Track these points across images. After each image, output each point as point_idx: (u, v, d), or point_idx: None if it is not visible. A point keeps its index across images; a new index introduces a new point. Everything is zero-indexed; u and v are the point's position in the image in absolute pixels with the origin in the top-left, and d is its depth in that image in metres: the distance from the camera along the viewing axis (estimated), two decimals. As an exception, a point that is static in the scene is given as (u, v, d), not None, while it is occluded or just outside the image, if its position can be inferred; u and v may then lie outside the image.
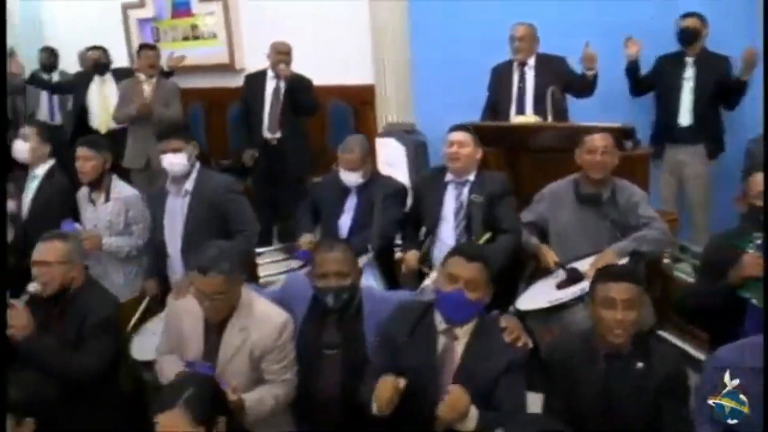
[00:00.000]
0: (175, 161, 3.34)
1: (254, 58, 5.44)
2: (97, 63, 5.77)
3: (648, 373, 2.21)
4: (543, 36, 4.40)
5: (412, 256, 3.45)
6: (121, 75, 5.65)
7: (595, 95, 4.32)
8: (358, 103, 5.75)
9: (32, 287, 2.73)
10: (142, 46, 5.56)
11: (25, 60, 6.39)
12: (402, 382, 2.23)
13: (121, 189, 3.70)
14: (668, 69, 4.45)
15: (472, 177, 3.45)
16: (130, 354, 3.04)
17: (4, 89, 4.75)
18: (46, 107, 6.41)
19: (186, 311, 2.60)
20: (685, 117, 4.40)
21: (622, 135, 3.48)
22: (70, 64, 6.59)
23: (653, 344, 2.31)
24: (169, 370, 2.52)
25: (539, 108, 4.14)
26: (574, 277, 3.01)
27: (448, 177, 3.49)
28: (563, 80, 4.26)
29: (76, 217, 3.72)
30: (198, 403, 1.86)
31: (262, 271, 3.69)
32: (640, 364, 2.22)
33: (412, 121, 5.39)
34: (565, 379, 2.30)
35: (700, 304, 2.73)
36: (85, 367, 2.63)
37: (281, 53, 4.95)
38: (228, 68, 6.30)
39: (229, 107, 6.09)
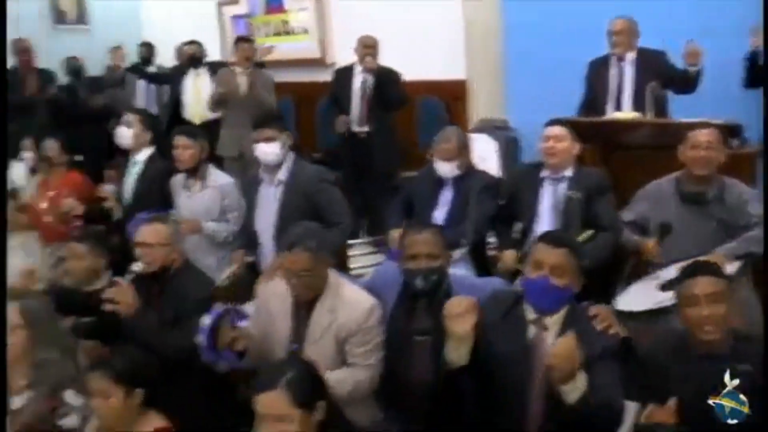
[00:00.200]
0: (268, 150, 3.37)
1: (345, 53, 5.47)
2: (192, 57, 5.95)
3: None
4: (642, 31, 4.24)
5: (510, 256, 3.34)
6: (215, 68, 5.78)
7: (701, 93, 4.12)
8: (450, 99, 5.69)
9: (136, 266, 2.83)
10: (240, 39, 5.65)
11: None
12: None
13: (217, 177, 3.77)
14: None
15: (569, 173, 3.35)
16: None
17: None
18: (143, 99, 6.67)
19: (274, 293, 2.64)
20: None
21: (727, 132, 3.31)
22: (166, 60, 6.89)
23: (757, 347, 2.16)
24: None
25: (638, 104, 4.00)
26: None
27: (544, 173, 3.40)
28: (664, 76, 4.08)
29: (169, 203, 3.80)
30: (299, 386, 1.85)
31: (351, 263, 3.70)
32: (743, 367, 2.09)
33: (504, 117, 5.30)
34: (660, 380, 2.19)
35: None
36: (179, 345, 2.67)
37: (367, 47, 4.97)
38: (319, 63, 6.40)
39: (318, 102, 6.16)
